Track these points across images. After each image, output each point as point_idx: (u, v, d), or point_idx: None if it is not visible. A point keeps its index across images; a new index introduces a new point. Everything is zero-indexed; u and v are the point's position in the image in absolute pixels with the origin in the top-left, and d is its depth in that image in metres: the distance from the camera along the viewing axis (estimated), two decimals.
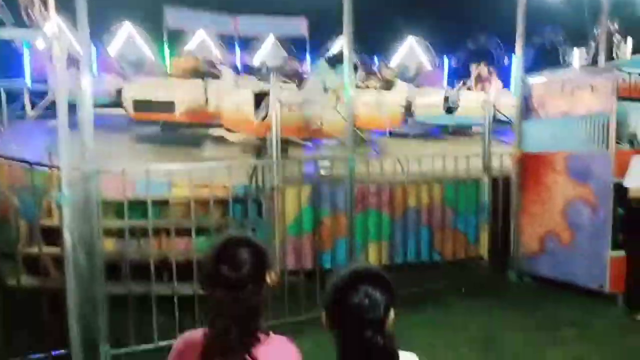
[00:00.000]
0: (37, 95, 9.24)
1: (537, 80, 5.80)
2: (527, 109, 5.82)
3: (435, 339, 4.19)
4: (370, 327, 1.29)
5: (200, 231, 4.35)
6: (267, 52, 17.02)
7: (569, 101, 5.36)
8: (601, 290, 4.81)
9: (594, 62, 10.33)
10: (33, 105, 9.05)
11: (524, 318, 4.61)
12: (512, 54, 7.84)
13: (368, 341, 1.28)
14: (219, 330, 1.41)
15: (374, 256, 5.33)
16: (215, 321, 1.43)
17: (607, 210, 4.78)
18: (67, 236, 2.57)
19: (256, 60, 15.70)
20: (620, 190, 4.63)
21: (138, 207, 4.76)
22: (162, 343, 3.89)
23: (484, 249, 5.90)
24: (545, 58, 13.73)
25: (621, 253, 4.72)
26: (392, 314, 1.38)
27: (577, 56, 14.37)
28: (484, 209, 5.86)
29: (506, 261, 5.75)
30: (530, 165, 5.60)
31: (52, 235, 4.65)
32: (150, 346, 3.93)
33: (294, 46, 17.01)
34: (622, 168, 4.68)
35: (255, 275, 1.48)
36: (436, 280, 5.34)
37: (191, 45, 15.68)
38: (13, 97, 9.05)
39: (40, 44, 11.78)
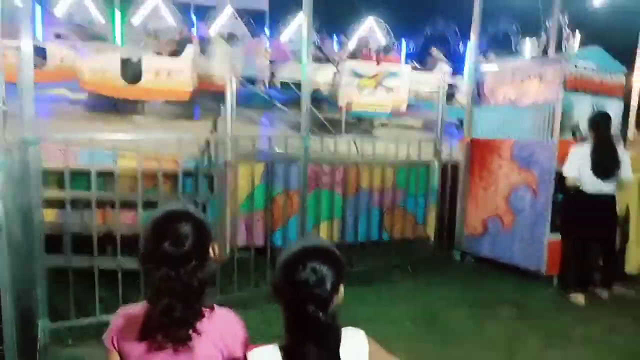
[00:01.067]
0: None
1: (489, 67, 5.95)
2: (478, 95, 5.99)
3: (380, 315, 4.31)
4: (314, 303, 1.29)
5: (148, 205, 4.24)
6: (224, 23, 16.60)
7: (518, 90, 5.54)
8: (538, 272, 5.07)
9: (544, 53, 10.71)
10: None
11: (466, 295, 4.81)
12: (467, 40, 7.99)
13: (310, 316, 1.29)
14: (162, 306, 1.38)
15: (325, 234, 5.38)
16: (157, 297, 1.39)
17: (547, 196, 5.02)
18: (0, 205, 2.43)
19: (212, 31, 15.26)
20: (560, 178, 4.86)
21: (82, 177, 4.58)
22: (105, 317, 3.80)
23: (431, 230, 6.09)
24: (498, 47, 14.07)
25: (558, 237, 4.99)
26: (341, 290, 1.39)
27: (528, 46, 14.84)
28: (433, 192, 6.02)
29: (451, 242, 5.96)
30: (479, 150, 5.78)
31: None
32: (92, 320, 3.83)
33: (252, 20, 16.65)
34: (564, 157, 4.91)
35: (199, 249, 1.44)
36: (384, 259, 5.48)
37: (144, 11, 15.04)
38: None
39: None
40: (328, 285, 1.32)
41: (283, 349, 1.35)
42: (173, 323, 1.39)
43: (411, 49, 17.58)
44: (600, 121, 4.64)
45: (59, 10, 13.87)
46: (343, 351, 1.38)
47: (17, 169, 2.81)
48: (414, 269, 5.47)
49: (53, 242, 3.95)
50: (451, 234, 5.96)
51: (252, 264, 4.57)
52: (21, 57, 3.34)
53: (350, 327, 1.45)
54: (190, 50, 8.21)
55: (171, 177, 4.91)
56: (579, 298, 4.67)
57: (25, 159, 3.16)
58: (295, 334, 1.33)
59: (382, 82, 8.53)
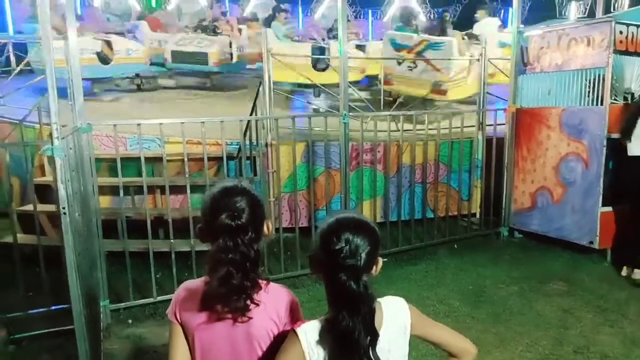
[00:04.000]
0: (21, 49, 8.96)
1: (533, 32, 5.69)
2: (522, 63, 5.74)
3: (427, 292, 4.30)
4: (346, 272, 1.32)
5: (195, 189, 4.35)
6: (256, 2, 16.52)
7: (564, 54, 5.29)
8: (591, 246, 4.91)
9: (591, 15, 10.16)
10: (18, 59, 8.78)
11: (515, 272, 4.72)
12: (509, 6, 7.63)
13: (342, 285, 1.32)
14: (220, 275, 1.43)
15: (368, 213, 5.37)
16: (216, 267, 1.44)
17: (599, 166, 4.81)
18: (61, 190, 2.54)
19: (247, 11, 15.27)
20: (613, 145, 4.64)
21: (130, 164, 4.74)
22: (160, 297, 3.97)
23: (476, 206, 5.97)
24: (541, 11, 13.45)
25: (611, 209, 4.80)
26: (379, 263, 1.42)
27: (574, 9, 14.11)
28: (477, 166, 5.89)
29: (498, 217, 5.83)
30: (525, 121, 5.58)
31: (45, 193, 4.64)
32: (148, 300, 4.00)
33: None
34: (616, 123, 4.69)
35: (254, 223, 1.49)
36: (430, 236, 5.43)
37: None
38: None
39: None
40: (362, 256, 1.34)
41: (325, 321, 1.39)
42: (232, 292, 1.44)
43: (450, 18, 17.03)
44: None
45: (96, 1, 14.18)
46: (385, 320, 1.42)
47: (72, 157, 2.92)
48: (460, 247, 5.40)
49: (107, 227, 4.13)
50: (498, 209, 5.82)
51: (298, 244, 4.63)
52: (69, 49, 3.44)
53: (390, 297, 1.49)
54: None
55: (215, 160, 5.01)
56: (635, 273, 4.50)
57: (79, 146, 3.28)
58: (332, 305, 1.37)
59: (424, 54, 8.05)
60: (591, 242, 4.90)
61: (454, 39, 7.78)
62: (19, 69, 7.61)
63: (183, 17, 11.93)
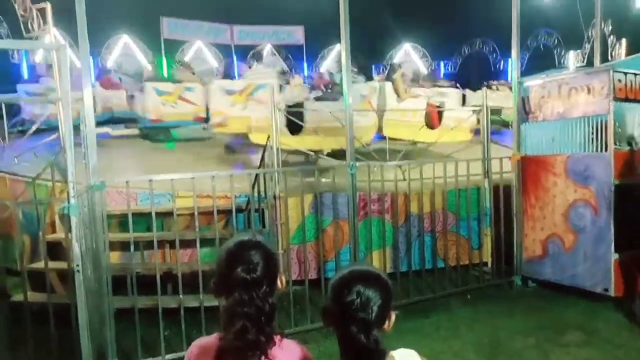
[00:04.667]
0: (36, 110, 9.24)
1: (533, 82, 5.84)
2: (524, 111, 5.86)
3: (441, 345, 4.19)
4: (357, 325, 1.32)
5: (204, 242, 4.36)
6: (267, 61, 17.17)
7: (565, 103, 5.40)
8: (606, 294, 4.81)
9: (589, 64, 10.41)
10: (33, 119, 9.05)
11: (530, 323, 4.61)
12: (508, 58, 7.89)
13: (353, 339, 1.32)
14: (236, 329, 1.43)
15: (377, 263, 5.34)
16: (232, 321, 1.45)
17: (608, 212, 4.80)
18: (76, 248, 2.57)
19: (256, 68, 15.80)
20: (622, 191, 4.65)
21: (141, 219, 4.79)
22: (169, 356, 3.89)
23: (487, 255, 5.91)
24: (540, 61, 13.82)
25: (624, 255, 4.74)
26: (391, 316, 1.42)
27: (572, 59, 14.48)
28: (486, 214, 5.88)
29: (510, 266, 5.75)
30: (530, 168, 5.62)
31: (56, 250, 4.67)
32: (157, 359, 3.92)
33: (290, 54, 17.15)
34: (621, 169, 4.71)
35: (269, 276, 1.52)
36: (441, 287, 5.35)
37: (188, 54, 15.82)
38: (14, 111, 9.06)
39: (38, 57, 11.86)
40: (373, 309, 1.34)
41: None
42: (246, 347, 1.44)
43: (449, 69, 17.55)
44: None
45: (110, 61, 14.78)
46: None
47: (85, 214, 2.97)
48: (473, 297, 5.31)
49: (116, 283, 4.12)
50: (509, 258, 5.75)
51: (307, 297, 4.57)
52: (84, 108, 3.57)
53: (402, 349, 1.47)
54: None
55: (224, 213, 5.04)
56: None
57: (92, 203, 3.34)
58: (343, 358, 1.36)
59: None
60: (606, 290, 4.81)
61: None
62: (34, 127, 7.84)
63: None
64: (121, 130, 9.03)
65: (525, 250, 5.66)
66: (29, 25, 6.50)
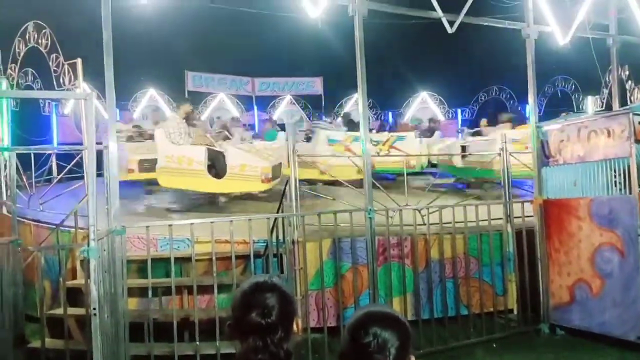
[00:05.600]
0: (64, 159, 9.56)
1: (552, 126, 5.83)
2: (544, 155, 5.82)
3: None
4: None
5: (222, 288, 4.34)
6: (283, 109, 17.64)
7: (585, 146, 5.35)
8: (639, 342, 4.57)
9: (608, 108, 10.39)
10: (60, 168, 9.35)
11: None
12: (525, 103, 7.93)
13: None
14: None
15: (398, 310, 5.20)
16: None
17: (636, 257, 4.64)
18: (94, 291, 2.59)
19: (275, 117, 16.28)
20: None
21: (160, 264, 4.81)
22: None
23: (512, 301, 5.72)
24: (558, 107, 13.85)
25: None
26: (411, 359, 1.37)
27: (590, 104, 14.47)
28: (509, 259, 5.73)
29: (537, 313, 5.54)
30: (553, 212, 5.52)
31: (76, 296, 4.69)
32: None
33: (309, 104, 17.58)
34: None
35: (285, 321, 1.48)
36: (465, 335, 5.17)
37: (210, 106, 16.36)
38: (42, 160, 9.38)
39: (67, 109, 12.39)
40: (391, 351, 1.31)
41: None
42: None
43: (466, 116, 17.69)
44: None
45: (136, 112, 15.35)
46: None
47: (105, 258, 3.01)
48: (499, 346, 5.10)
49: (133, 329, 4.09)
50: (535, 304, 5.55)
51: (326, 346, 4.46)
52: (109, 157, 3.69)
53: None
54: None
55: (243, 258, 5.04)
56: None
57: (112, 248, 3.38)
58: None
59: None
60: (639, 337, 4.57)
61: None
62: (60, 176, 8.08)
63: (214, 125, 12.73)
64: None
65: (552, 296, 5.47)
66: (61, 80, 6.85)
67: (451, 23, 5.53)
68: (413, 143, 10.04)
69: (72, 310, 4.30)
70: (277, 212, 5.20)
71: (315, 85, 17.28)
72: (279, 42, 13.70)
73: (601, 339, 4.90)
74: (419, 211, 5.51)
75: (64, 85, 6.64)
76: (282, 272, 5.01)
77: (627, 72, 12.69)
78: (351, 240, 5.06)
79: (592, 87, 13.71)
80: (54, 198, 7.08)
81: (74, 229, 5.30)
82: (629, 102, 12.07)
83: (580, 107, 14.79)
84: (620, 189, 4.88)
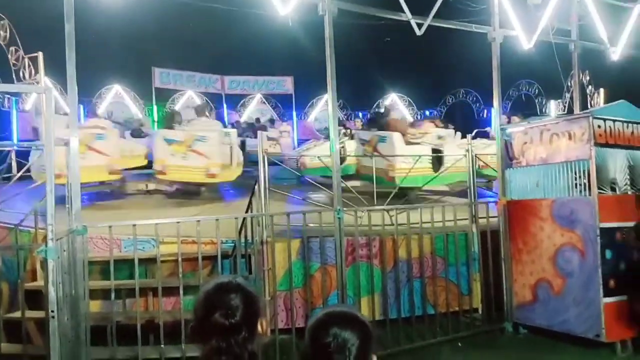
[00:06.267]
0: (24, 156, 9.22)
1: (515, 129, 5.97)
2: (508, 157, 5.96)
3: None
4: None
5: (188, 290, 4.26)
6: (253, 108, 17.49)
7: (548, 148, 5.50)
8: (598, 340, 4.73)
9: (570, 112, 10.73)
10: (19, 166, 9.01)
11: None
12: (491, 107, 8.12)
13: None
14: None
15: (366, 310, 5.22)
16: None
17: (595, 256, 4.80)
18: (52, 293, 2.50)
19: (244, 117, 16.13)
20: (608, 235, 4.68)
21: (123, 265, 4.69)
22: None
23: (477, 300, 5.83)
24: (522, 110, 14.22)
25: (615, 298, 4.71)
26: (372, 359, 1.37)
27: (553, 107, 14.93)
28: (474, 259, 5.84)
29: (501, 312, 5.66)
30: (517, 212, 5.66)
31: (36, 299, 4.52)
32: None
33: (280, 103, 17.51)
34: (606, 212, 4.76)
35: (249, 321, 1.45)
36: (431, 334, 5.23)
37: (178, 103, 16.07)
38: (1, 157, 9.02)
39: (28, 104, 11.96)
40: (351, 350, 1.31)
41: None
42: None
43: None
44: None
45: (100, 109, 14.93)
46: None
47: (65, 259, 2.90)
48: (464, 344, 5.19)
49: (96, 332, 3.98)
50: (500, 303, 5.67)
51: (294, 346, 4.44)
52: (70, 154, 3.57)
53: None
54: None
55: (210, 259, 4.96)
56: None
57: (72, 249, 3.27)
58: None
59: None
60: (597, 336, 4.73)
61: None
62: (19, 174, 7.78)
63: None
64: None
65: (515, 295, 5.60)
66: (21, 74, 6.61)
67: (420, 25, 5.60)
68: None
69: (31, 313, 4.14)
70: (246, 212, 5.15)
71: (285, 85, 17.21)
72: (250, 40, 13.58)
73: (562, 337, 5.04)
74: (387, 212, 5.56)
75: (25, 79, 6.41)
76: (250, 272, 4.96)
77: (587, 77, 13.16)
78: (320, 240, 5.05)
79: (555, 91, 14.15)
80: (13, 197, 6.80)
81: (33, 229, 5.12)
82: (589, 106, 12.51)
83: (544, 110, 15.24)
84: (581, 191, 5.04)
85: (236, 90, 17.07)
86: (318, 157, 7.44)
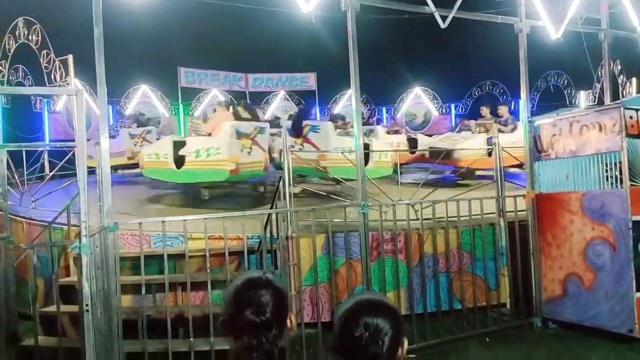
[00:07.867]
0: (56, 156, 9.51)
1: (544, 121, 5.85)
2: (536, 150, 5.84)
3: None
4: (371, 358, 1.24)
5: (215, 284, 4.34)
6: (277, 105, 17.59)
7: (577, 140, 5.38)
8: (631, 335, 4.62)
9: (600, 103, 10.44)
10: (52, 165, 9.30)
11: None
12: (518, 99, 7.95)
13: None
14: None
15: None
16: None
17: (627, 250, 4.68)
18: (86, 288, 2.58)
19: (268, 114, 16.25)
20: None
21: (153, 261, 4.80)
22: None
23: (505, 295, 5.75)
24: (551, 102, 13.90)
25: None
26: (404, 345, 1.33)
27: (583, 98, 14.54)
28: (502, 254, 5.76)
29: (529, 307, 5.57)
30: (546, 206, 5.55)
31: (69, 294, 4.67)
32: None
33: (303, 99, 17.56)
34: (639, 206, 4.63)
35: (278, 317, 1.46)
36: (458, 329, 5.19)
37: (204, 102, 16.28)
38: (34, 158, 9.34)
39: (59, 106, 12.31)
40: (384, 340, 1.26)
41: None
42: None
43: (460, 111, 17.72)
44: None
45: (128, 109, 15.27)
46: None
47: (97, 255, 2.99)
48: (492, 340, 5.13)
49: (127, 326, 4.09)
50: (528, 298, 5.58)
51: (321, 341, 4.47)
52: (101, 153, 3.67)
53: None
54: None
55: (237, 254, 5.03)
56: None
57: (105, 245, 3.37)
58: None
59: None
60: (630, 331, 4.62)
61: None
62: (52, 173, 8.03)
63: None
64: None
65: (544, 290, 5.51)
66: (52, 76, 6.80)
67: (444, 18, 5.53)
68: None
69: (65, 308, 4.28)
70: (271, 208, 5.20)
71: (309, 81, 17.24)
72: (273, 38, 13.65)
73: (593, 332, 4.94)
74: (412, 206, 5.53)
75: (55, 81, 6.60)
76: (276, 267, 5.01)
77: (619, 67, 12.76)
78: (345, 235, 5.06)
79: (585, 82, 13.77)
80: (46, 195, 7.04)
81: (66, 226, 5.29)
82: (620, 97, 12.13)
83: (573, 101, 14.85)
84: (612, 183, 4.91)
85: (260, 88, 17.19)
86: (342, 152, 7.43)
